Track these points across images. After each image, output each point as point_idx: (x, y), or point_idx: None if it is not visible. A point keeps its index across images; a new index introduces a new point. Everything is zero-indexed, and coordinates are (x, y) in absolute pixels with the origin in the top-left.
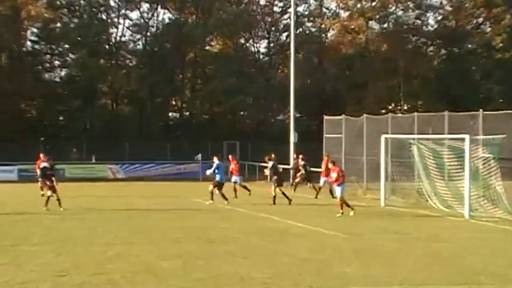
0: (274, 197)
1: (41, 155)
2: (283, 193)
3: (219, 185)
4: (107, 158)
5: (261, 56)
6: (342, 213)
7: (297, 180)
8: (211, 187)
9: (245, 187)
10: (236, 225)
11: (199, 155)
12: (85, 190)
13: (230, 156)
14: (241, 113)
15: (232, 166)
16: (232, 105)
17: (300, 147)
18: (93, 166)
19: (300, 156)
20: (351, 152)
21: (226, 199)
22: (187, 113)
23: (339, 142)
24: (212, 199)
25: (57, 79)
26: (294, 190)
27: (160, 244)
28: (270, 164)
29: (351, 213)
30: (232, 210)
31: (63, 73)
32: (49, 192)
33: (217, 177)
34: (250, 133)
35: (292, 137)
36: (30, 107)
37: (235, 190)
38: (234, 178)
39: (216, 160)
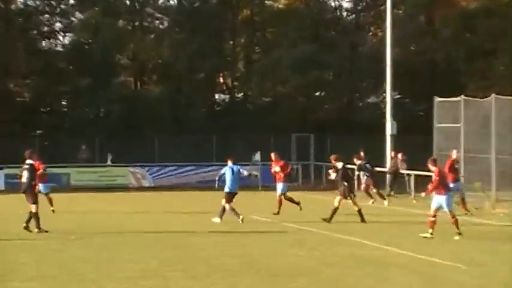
0: (359, 211)
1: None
2: (334, 210)
3: (227, 196)
4: (128, 159)
5: (345, 14)
6: (460, 233)
7: (372, 189)
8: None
9: (291, 200)
10: (310, 252)
11: (258, 154)
12: (97, 203)
13: (273, 155)
14: (317, 93)
15: (277, 169)
16: (303, 83)
17: (400, 141)
18: (109, 170)
19: (399, 155)
20: (473, 147)
21: (233, 214)
22: (240, 95)
23: (456, 134)
24: (237, 215)
25: (59, 48)
26: (387, 202)
27: (205, 278)
28: (339, 165)
29: (427, 234)
30: (304, 231)
31: (66, 40)
32: (34, 207)
33: (226, 187)
34: (330, 122)
35: (389, 128)
36: (22, 88)
37: (280, 203)
38: (279, 186)
39: (229, 163)
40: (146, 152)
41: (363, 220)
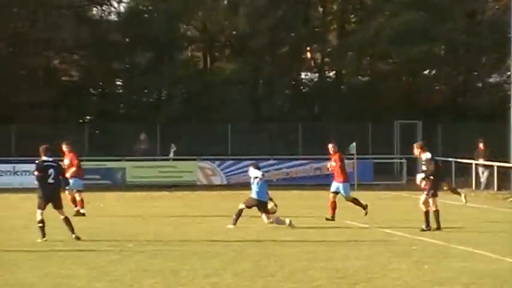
0: (426, 213)
1: (64, 146)
2: (436, 212)
3: (252, 201)
4: (196, 151)
5: None
6: None
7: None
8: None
9: (357, 203)
10: (416, 265)
11: (353, 146)
12: (158, 204)
13: (331, 147)
14: (425, 72)
15: (332, 164)
16: (408, 60)
17: None
18: (173, 164)
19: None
20: None
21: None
22: (331, 73)
23: None
24: (234, 221)
25: (113, 17)
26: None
27: None
28: (424, 156)
29: None
30: (408, 239)
31: (122, 7)
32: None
33: (254, 193)
34: (441, 107)
35: None
36: (69, 66)
37: (357, 203)
38: (341, 187)
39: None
40: (217, 143)
41: (437, 221)
